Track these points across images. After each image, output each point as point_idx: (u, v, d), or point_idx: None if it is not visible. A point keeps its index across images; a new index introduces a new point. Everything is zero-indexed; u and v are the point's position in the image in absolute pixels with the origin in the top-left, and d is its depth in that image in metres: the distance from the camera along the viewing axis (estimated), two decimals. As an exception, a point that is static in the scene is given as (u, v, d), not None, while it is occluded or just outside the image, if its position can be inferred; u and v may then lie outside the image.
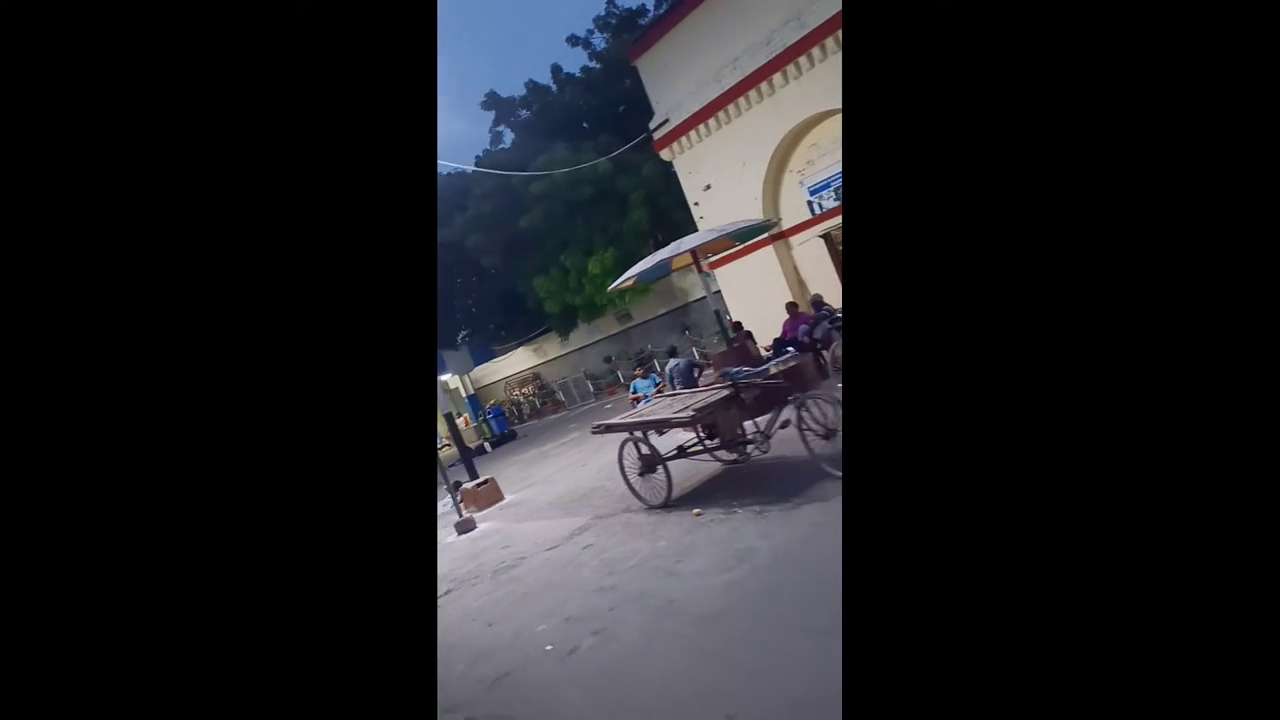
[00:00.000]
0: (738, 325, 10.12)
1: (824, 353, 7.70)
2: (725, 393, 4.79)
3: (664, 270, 9.08)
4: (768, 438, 4.68)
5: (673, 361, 8.36)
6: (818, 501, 3.96)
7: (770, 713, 2.19)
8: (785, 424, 4.54)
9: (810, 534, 3.55)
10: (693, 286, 16.48)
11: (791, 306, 9.18)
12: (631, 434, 5.26)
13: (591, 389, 20.16)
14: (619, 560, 4.25)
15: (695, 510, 4.63)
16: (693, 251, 7.92)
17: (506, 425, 18.62)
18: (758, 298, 11.82)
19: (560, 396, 21.70)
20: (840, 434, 4.12)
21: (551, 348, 22.78)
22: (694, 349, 15.37)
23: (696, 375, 7.54)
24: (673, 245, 8.05)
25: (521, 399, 23.87)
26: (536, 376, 23.94)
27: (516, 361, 24.89)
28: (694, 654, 2.78)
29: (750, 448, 4.93)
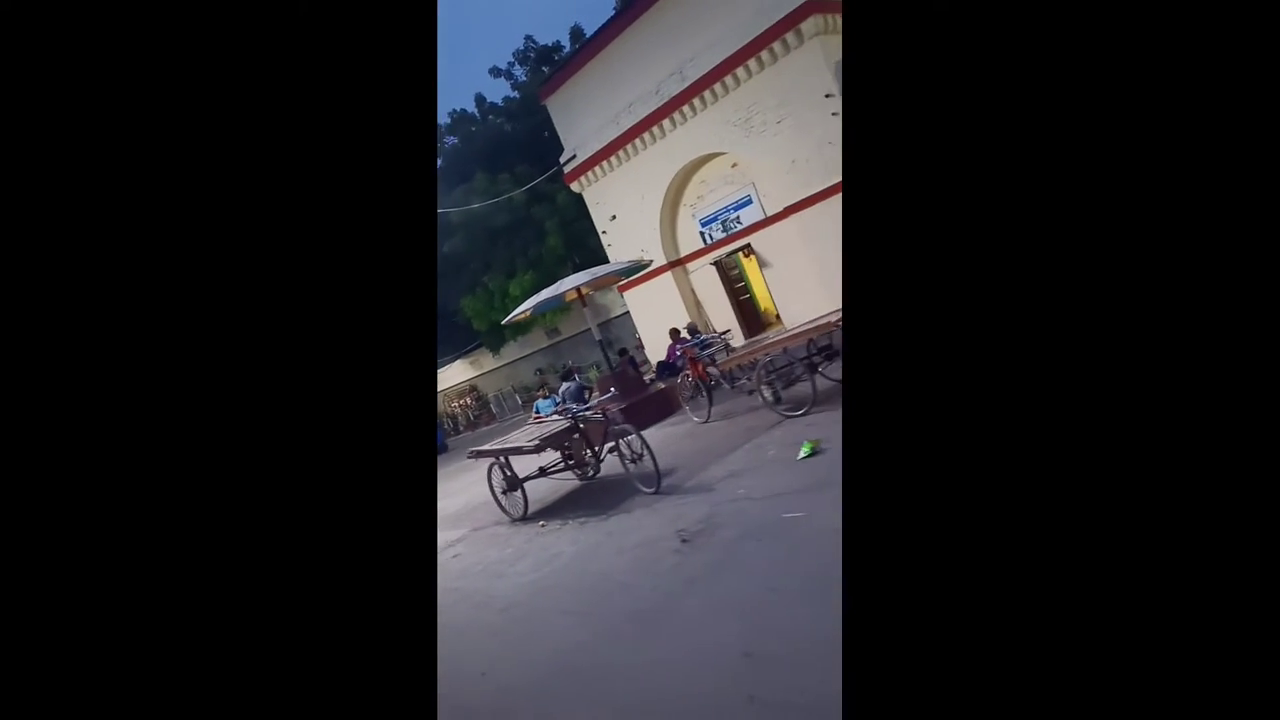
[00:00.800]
0: (622, 352, 11.25)
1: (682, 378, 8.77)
2: (566, 424, 5.83)
3: (557, 303, 10.12)
4: (600, 461, 5.74)
5: (565, 384, 9.35)
6: (622, 513, 5.01)
7: (522, 670, 3.20)
8: (612, 450, 5.60)
9: (603, 540, 4.60)
10: (613, 303, 17.53)
11: (674, 332, 10.29)
12: (497, 458, 6.24)
13: (520, 402, 21.02)
14: (471, 566, 5.23)
15: (541, 523, 5.63)
16: (577, 289, 8.99)
17: (442, 438, 19.33)
18: (661, 318, 12.96)
19: (494, 408, 22.52)
20: (645, 459, 5.21)
21: (487, 361, 23.56)
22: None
23: (587, 397, 8.56)
24: (558, 284, 9.13)
25: (459, 410, 24.58)
26: (474, 388, 24.66)
27: (454, 374, 25.56)
28: (488, 635, 3.77)
29: (588, 469, 5.98)
